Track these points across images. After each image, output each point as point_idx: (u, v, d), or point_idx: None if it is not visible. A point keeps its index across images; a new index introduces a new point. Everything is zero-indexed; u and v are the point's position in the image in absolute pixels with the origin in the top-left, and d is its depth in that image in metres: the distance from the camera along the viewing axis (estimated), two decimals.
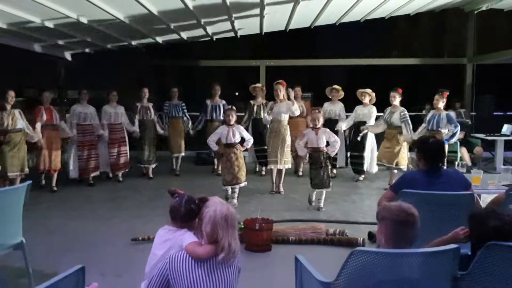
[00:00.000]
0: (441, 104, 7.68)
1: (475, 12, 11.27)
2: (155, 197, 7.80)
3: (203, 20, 8.86)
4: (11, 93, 7.33)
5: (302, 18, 10.12)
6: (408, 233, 2.58)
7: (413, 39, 14.52)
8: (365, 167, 8.89)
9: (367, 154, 8.78)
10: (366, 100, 8.68)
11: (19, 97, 8.71)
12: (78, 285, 2.73)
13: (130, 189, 8.52)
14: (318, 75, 13.54)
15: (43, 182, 8.43)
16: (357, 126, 8.77)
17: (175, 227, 3.05)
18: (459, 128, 7.58)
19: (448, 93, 7.75)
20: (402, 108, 8.10)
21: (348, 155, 9.30)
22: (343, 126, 8.88)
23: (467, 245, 2.84)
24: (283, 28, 11.15)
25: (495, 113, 12.07)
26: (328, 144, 6.97)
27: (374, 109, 8.68)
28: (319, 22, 10.78)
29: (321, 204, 7.02)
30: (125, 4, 7.16)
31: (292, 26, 10.90)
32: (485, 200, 4.77)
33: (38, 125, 7.85)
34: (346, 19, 10.71)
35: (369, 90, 8.69)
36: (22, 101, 9.94)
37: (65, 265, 3.34)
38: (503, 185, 4.82)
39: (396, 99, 8.15)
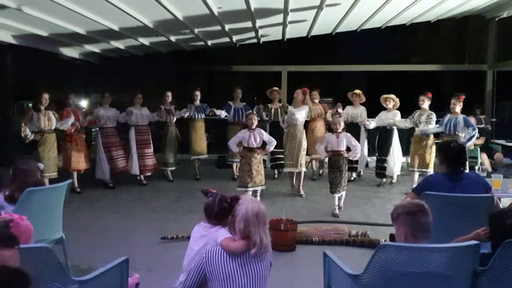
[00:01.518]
0: (458, 108, 7.74)
1: (496, 19, 11.32)
2: (179, 199, 8.06)
3: (227, 27, 9.07)
4: (45, 96, 7.71)
5: (324, 25, 10.26)
6: (423, 220, 2.78)
7: (434, 45, 14.56)
8: (388, 171, 9.02)
9: (390, 158, 8.93)
10: (390, 105, 8.81)
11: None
12: (123, 275, 2.96)
13: (154, 191, 8.76)
14: (339, 81, 13.68)
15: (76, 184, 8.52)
16: (383, 131, 8.96)
17: (210, 224, 3.25)
18: (477, 131, 7.65)
19: (464, 97, 7.82)
20: (431, 112, 8.26)
21: (369, 159, 9.50)
22: (372, 124, 9.06)
23: (487, 245, 3.00)
24: (305, 35, 11.32)
25: None
26: (349, 149, 7.06)
27: (398, 114, 8.80)
28: (340, 29, 10.90)
29: (341, 203, 7.19)
30: (151, 10, 7.41)
31: (314, 32, 11.05)
32: (505, 204, 4.88)
33: (71, 121, 8.17)
34: (367, 26, 10.83)
35: (393, 96, 8.84)
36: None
37: (99, 261, 3.56)
38: None
39: (425, 103, 8.31)
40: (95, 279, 2.66)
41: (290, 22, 9.31)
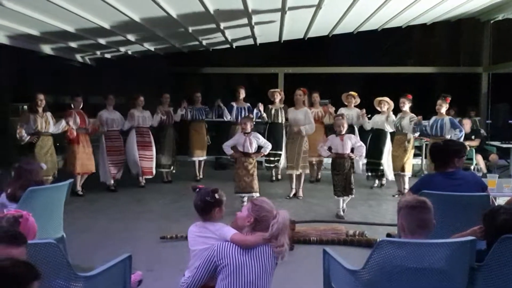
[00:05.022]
0: (444, 109, 7.63)
1: (491, 21, 11.42)
2: (178, 200, 8.11)
3: (222, 25, 9.03)
4: (40, 96, 7.49)
5: (321, 27, 10.31)
6: (423, 216, 2.83)
7: (429, 48, 14.65)
8: (383, 173, 9.00)
9: (384, 160, 8.85)
10: (384, 108, 8.71)
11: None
12: (126, 271, 3.01)
13: (154, 192, 8.80)
14: (335, 82, 13.73)
15: (78, 188, 8.40)
16: (376, 134, 8.87)
17: (202, 220, 3.30)
18: (463, 132, 7.59)
19: (450, 99, 7.70)
20: (412, 114, 8.08)
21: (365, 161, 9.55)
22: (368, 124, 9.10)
23: (483, 242, 3.06)
24: (302, 36, 11.37)
25: (510, 121, 12.15)
26: (352, 150, 7.01)
27: (392, 117, 8.66)
28: (337, 31, 10.97)
29: (344, 206, 7.09)
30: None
31: (311, 34, 11.10)
32: (500, 203, 4.94)
33: (71, 122, 7.92)
34: (363, 28, 10.89)
35: (387, 98, 8.74)
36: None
37: (99, 260, 3.59)
38: None
39: (406, 105, 8.16)
40: (99, 275, 2.71)
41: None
